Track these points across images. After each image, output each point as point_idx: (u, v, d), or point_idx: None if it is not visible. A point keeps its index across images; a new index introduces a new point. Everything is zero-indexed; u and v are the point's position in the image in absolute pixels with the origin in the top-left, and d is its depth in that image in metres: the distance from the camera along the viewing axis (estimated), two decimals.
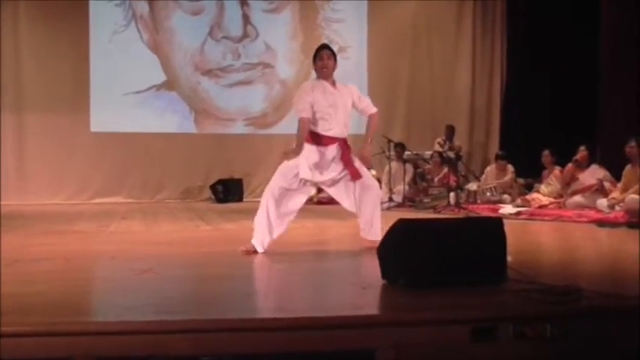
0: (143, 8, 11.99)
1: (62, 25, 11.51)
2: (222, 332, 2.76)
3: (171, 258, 5.00)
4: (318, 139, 5.03)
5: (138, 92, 11.91)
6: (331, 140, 5.07)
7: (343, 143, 5.16)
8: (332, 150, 5.07)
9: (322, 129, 5.03)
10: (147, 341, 2.71)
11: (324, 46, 5.31)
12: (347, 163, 5.12)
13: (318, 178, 5.06)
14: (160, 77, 12.05)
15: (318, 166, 5.03)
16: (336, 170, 5.11)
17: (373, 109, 5.47)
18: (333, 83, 5.18)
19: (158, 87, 12.04)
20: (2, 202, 10.69)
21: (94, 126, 11.73)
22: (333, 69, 5.16)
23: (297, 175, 4.94)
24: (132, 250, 5.48)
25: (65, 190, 11.49)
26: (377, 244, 3.94)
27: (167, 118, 12.03)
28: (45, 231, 6.73)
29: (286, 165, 4.96)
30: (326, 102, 5.03)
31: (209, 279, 4.17)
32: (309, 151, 4.99)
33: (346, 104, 5.20)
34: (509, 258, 3.74)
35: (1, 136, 11.11)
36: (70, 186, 11.53)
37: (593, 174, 8.78)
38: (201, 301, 3.52)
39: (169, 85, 12.08)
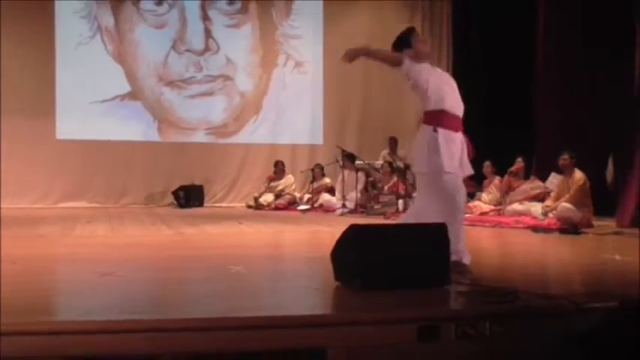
0: (108, 21, 11.84)
1: (29, 35, 11.28)
2: (181, 332, 2.74)
3: (134, 261, 4.93)
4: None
5: (103, 101, 11.76)
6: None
7: None
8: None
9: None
10: (109, 340, 2.67)
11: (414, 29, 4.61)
12: None
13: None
14: (125, 87, 11.91)
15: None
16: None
17: None
18: None
19: (123, 97, 11.90)
20: None
21: (60, 133, 11.53)
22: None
23: None
24: (96, 253, 5.40)
25: (30, 194, 11.24)
26: None
27: (131, 127, 11.89)
28: (7, 235, 6.56)
29: None
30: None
31: (170, 281, 4.13)
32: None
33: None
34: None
35: None
36: (34, 190, 11.29)
37: (533, 184, 8.94)
38: (162, 303, 3.48)
39: (134, 95, 11.95)
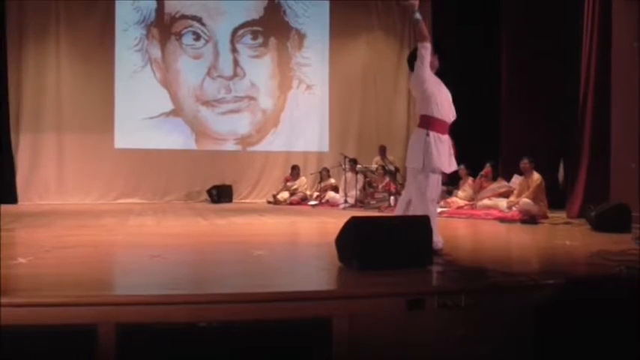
0: (157, 54, 11.87)
1: (94, 64, 11.34)
2: (213, 304, 2.74)
3: (176, 246, 4.93)
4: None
5: (152, 118, 11.78)
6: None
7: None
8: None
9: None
10: (155, 311, 2.67)
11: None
12: None
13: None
14: (169, 106, 11.92)
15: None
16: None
17: None
18: None
19: (167, 114, 11.91)
20: (44, 203, 10.52)
21: (117, 143, 11.57)
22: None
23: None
24: (145, 240, 5.41)
25: (93, 193, 11.29)
26: None
27: (174, 138, 11.90)
28: (77, 225, 6.60)
29: None
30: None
31: (205, 263, 4.13)
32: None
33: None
34: (440, 245, 3.76)
35: (45, 151, 10.99)
36: (97, 190, 11.33)
37: (500, 183, 8.91)
38: (198, 280, 3.48)
39: (176, 112, 11.96)
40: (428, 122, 4.16)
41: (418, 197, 4.16)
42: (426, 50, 4.12)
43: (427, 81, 4.16)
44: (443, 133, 4.19)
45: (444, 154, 4.15)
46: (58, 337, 2.54)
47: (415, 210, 4.11)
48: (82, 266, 3.65)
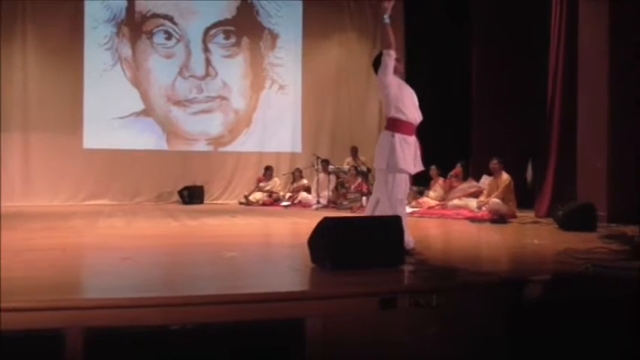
0: (127, 52, 11.69)
1: (62, 62, 11.11)
2: (186, 306, 2.71)
3: (147, 248, 4.87)
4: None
5: (122, 117, 11.60)
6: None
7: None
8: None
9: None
10: (126, 314, 2.63)
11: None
12: None
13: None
14: (140, 106, 11.76)
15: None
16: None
17: None
18: None
19: (138, 114, 11.75)
20: (10, 204, 10.26)
21: (86, 143, 11.36)
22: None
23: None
24: (115, 242, 5.32)
25: (61, 194, 11.06)
26: None
27: (145, 138, 11.74)
28: (44, 227, 6.46)
29: None
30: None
31: (177, 264, 4.09)
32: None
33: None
34: (412, 245, 3.79)
35: (10, 150, 10.68)
36: (65, 191, 11.10)
37: (470, 184, 9.01)
38: (170, 282, 3.44)
39: (147, 112, 11.80)
40: (394, 124, 4.22)
41: (386, 198, 4.20)
42: (390, 58, 4.23)
43: (389, 86, 4.23)
44: (409, 134, 4.25)
45: (409, 155, 4.21)
46: (23, 343, 2.48)
47: (383, 210, 4.14)
48: (49, 269, 3.58)
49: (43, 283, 3.12)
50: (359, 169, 10.59)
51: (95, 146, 11.37)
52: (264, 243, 5.70)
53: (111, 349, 2.57)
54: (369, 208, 4.45)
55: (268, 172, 11.54)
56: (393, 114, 4.23)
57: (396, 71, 4.29)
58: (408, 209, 8.81)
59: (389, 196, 4.17)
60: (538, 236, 5.58)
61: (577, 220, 6.07)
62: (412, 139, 4.28)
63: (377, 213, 4.19)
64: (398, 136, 4.19)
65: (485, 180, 8.55)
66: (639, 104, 6.72)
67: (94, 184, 11.28)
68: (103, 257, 4.37)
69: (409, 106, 4.27)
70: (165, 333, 2.61)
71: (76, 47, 11.26)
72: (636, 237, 4.86)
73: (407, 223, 4.20)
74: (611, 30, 6.84)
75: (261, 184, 11.49)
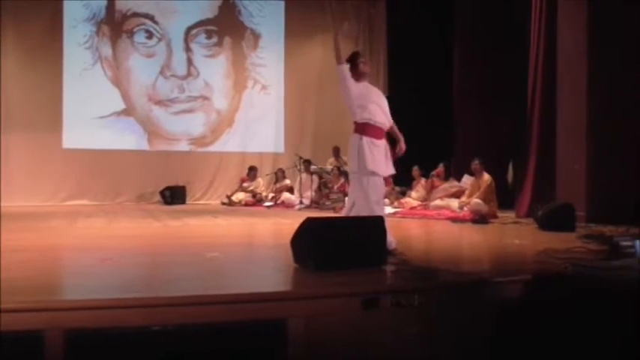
0: (107, 51, 11.58)
1: (41, 61, 10.97)
2: (167, 307, 2.69)
3: (128, 248, 4.83)
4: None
5: (102, 117, 11.48)
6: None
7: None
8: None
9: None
10: (106, 315, 2.61)
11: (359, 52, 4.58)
12: None
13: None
14: (120, 105, 11.65)
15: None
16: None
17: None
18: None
19: (118, 113, 11.64)
20: None
21: (66, 143, 11.23)
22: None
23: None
24: (95, 242, 5.27)
25: (40, 194, 10.91)
26: None
27: (125, 138, 11.64)
28: (23, 227, 6.37)
29: None
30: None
31: (159, 265, 4.06)
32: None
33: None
34: (394, 246, 3.81)
35: None
36: (44, 191, 10.96)
37: (451, 184, 9.07)
38: (152, 283, 3.42)
39: (128, 112, 11.70)
40: (361, 128, 4.29)
41: (361, 200, 4.24)
42: (341, 72, 4.33)
43: (351, 96, 4.31)
44: (377, 138, 4.29)
45: (378, 158, 4.25)
46: (2, 345, 2.45)
47: (360, 212, 4.17)
48: (28, 271, 3.53)
49: (22, 284, 3.08)
50: (342, 169, 10.60)
51: (75, 146, 11.24)
52: (246, 243, 5.69)
53: (91, 351, 2.55)
54: (345, 211, 4.48)
55: (252, 173, 11.51)
56: (359, 118, 4.30)
57: (362, 74, 4.38)
58: (391, 209, 8.87)
59: (364, 198, 4.21)
60: (519, 236, 5.64)
61: (556, 220, 6.14)
62: (381, 143, 4.32)
63: (354, 215, 4.21)
64: (366, 139, 4.24)
65: (467, 180, 8.61)
66: (618, 106, 6.85)
67: (74, 184, 11.15)
68: (83, 258, 4.32)
69: (374, 111, 4.31)
70: (147, 334, 2.59)
71: (56, 46, 11.15)
72: (614, 237, 4.93)
73: (387, 224, 4.22)
74: (590, 31, 6.94)
75: (245, 185, 11.46)
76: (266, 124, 12.54)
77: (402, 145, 4.48)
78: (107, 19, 11.55)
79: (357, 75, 4.37)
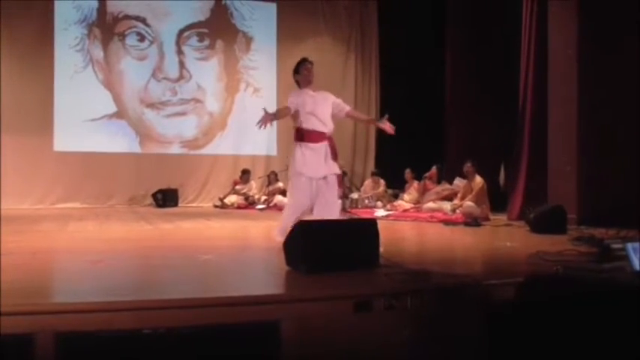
0: (99, 54, 11.54)
1: (31, 64, 10.92)
2: (159, 310, 2.68)
3: (120, 251, 4.81)
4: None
5: (93, 120, 11.44)
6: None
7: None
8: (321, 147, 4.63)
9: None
10: (97, 318, 2.60)
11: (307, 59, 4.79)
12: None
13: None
14: (112, 108, 11.61)
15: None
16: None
17: (347, 107, 4.86)
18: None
19: (110, 116, 11.60)
20: None
21: (57, 146, 11.18)
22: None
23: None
24: (87, 245, 5.24)
25: (31, 197, 10.85)
26: None
27: (117, 141, 11.59)
28: (13, 230, 6.32)
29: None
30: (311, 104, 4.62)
31: (151, 268, 4.04)
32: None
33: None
34: (381, 249, 3.82)
35: None
36: (35, 194, 10.90)
37: (444, 186, 9.10)
38: (144, 286, 3.40)
39: (119, 114, 11.66)
40: (296, 133, 4.65)
41: (288, 197, 4.71)
42: (289, 102, 4.63)
43: (290, 106, 4.62)
44: (314, 141, 4.57)
45: (311, 161, 4.53)
46: None
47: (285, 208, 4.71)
48: (18, 274, 3.50)
49: (12, 287, 3.05)
50: None
51: (67, 149, 11.19)
52: (239, 246, 5.68)
53: (83, 354, 2.53)
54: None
55: (245, 176, 11.50)
56: (296, 124, 4.66)
57: (307, 80, 4.67)
58: (383, 212, 8.90)
59: (288, 197, 4.64)
60: (510, 239, 5.67)
61: (548, 222, 6.17)
62: (318, 146, 4.58)
63: (305, 217, 4.43)
64: (299, 144, 4.60)
65: (459, 182, 8.64)
66: (609, 108, 6.89)
67: (65, 187, 11.10)
68: (74, 261, 4.30)
69: (306, 117, 4.58)
70: (138, 337, 2.58)
71: (46, 49, 11.10)
72: (605, 239, 4.96)
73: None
74: (581, 34, 6.99)
75: (238, 187, 11.45)
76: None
77: (385, 126, 4.67)
78: (98, 21, 11.51)
79: (301, 81, 4.68)
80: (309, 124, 4.57)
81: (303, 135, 4.58)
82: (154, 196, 11.29)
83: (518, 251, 4.73)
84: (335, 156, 4.63)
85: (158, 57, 11.85)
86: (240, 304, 2.79)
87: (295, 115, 4.62)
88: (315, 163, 4.52)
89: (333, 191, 4.60)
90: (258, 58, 12.57)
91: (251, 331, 2.72)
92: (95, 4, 11.49)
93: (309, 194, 4.56)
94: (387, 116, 4.72)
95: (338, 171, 4.68)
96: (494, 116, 9.41)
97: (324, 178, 4.56)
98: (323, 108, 4.65)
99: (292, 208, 4.62)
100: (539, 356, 3.04)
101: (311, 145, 4.54)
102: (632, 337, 2.45)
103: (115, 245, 5.23)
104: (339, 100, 4.81)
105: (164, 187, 11.43)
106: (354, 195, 10.46)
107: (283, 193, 11.03)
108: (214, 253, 4.49)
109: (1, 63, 10.75)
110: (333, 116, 4.73)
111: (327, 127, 4.63)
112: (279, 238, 4.22)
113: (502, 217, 7.95)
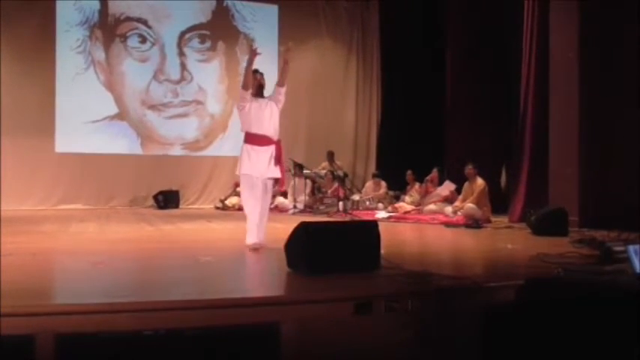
0: (100, 55, 11.54)
1: (33, 65, 10.89)
2: (160, 311, 2.68)
3: (121, 252, 4.81)
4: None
5: (95, 121, 11.43)
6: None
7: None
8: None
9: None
10: (98, 320, 2.60)
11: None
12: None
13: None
14: (114, 110, 11.61)
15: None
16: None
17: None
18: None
19: (112, 117, 11.59)
20: None
21: (59, 148, 11.17)
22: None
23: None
24: (88, 246, 5.24)
25: (32, 198, 10.84)
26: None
27: (119, 142, 11.58)
28: (14, 231, 6.32)
29: None
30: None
31: (151, 269, 4.04)
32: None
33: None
34: (382, 251, 3.82)
35: None
36: (36, 195, 10.89)
37: (447, 187, 9.08)
38: (144, 287, 3.40)
39: (121, 116, 11.66)
40: (245, 136, 5.09)
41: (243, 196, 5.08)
42: (242, 95, 5.18)
43: (240, 112, 5.12)
44: (259, 144, 5.02)
45: (256, 162, 4.96)
46: None
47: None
48: (19, 275, 3.50)
49: (13, 288, 3.05)
50: (335, 173, 10.61)
51: (68, 150, 11.18)
52: (239, 248, 5.67)
53: (82, 356, 2.53)
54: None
55: None
56: (243, 128, 5.12)
57: (259, 85, 5.25)
58: (384, 214, 8.90)
59: (242, 195, 5.05)
60: (511, 241, 5.66)
61: (549, 225, 6.16)
62: (264, 149, 5.02)
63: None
64: (246, 146, 5.04)
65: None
66: (610, 110, 6.89)
67: (66, 189, 11.09)
68: (75, 262, 4.30)
69: (255, 123, 5.06)
70: (139, 339, 2.58)
71: (48, 50, 11.08)
72: (606, 242, 4.95)
73: (253, 222, 4.98)
74: (582, 36, 6.99)
75: (238, 188, 11.44)
76: None
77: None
78: (100, 23, 11.52)
79: (253, 89, 5.15)
80: (265, 128, 5.07)
81: (248, 138, 5.12)
82: (155, 197, 11.29)
83: (519, 253, 4.72)
84: (279, 162, 5.12)
85: (159, 59, 11.85)
86: (241, 306, 2.79)
87: (244, 121, 5.22)
88: (260, 164, 5.00)
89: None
90: (260, 60, 12.54)
91: (251, 332, 2.71)
92: (97, 6, 11.49)
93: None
94: (290, 44, 5.62)
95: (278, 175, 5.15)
96: (496, 118, 9.41)
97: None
98: (268, 115, 5.15)
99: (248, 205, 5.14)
100: (540, 357, 3.04)
101: (257, 147, 5.03)
102: (633, 338, 2.45)
103: (115, 246, 5.23)
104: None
105: (165, 188, 11.42)
106: (356, 197, 10.45)
107: (284, 194, 11.03)
108: (215, 255, 4.49)
109: (2, 64, 10.77)
110: (278, 102, 5.25)
111: (271, 132, 5.10)
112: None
113: (503, 219, 7.94)
